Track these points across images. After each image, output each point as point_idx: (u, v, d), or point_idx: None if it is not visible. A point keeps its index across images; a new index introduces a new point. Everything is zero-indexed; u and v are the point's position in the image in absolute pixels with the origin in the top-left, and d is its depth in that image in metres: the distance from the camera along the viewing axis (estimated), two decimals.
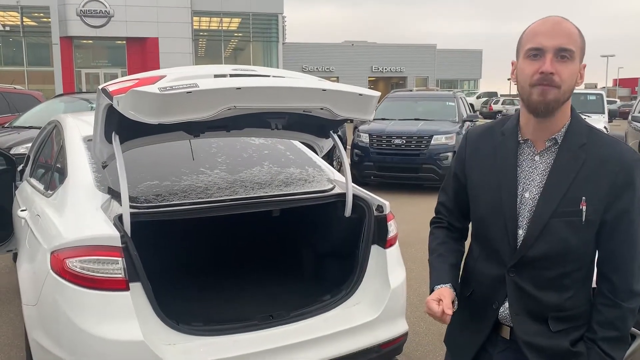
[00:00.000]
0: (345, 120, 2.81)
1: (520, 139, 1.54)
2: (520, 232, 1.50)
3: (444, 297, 1.52)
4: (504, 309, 1.55)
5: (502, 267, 1.53)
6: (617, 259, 1.49)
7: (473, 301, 1.62)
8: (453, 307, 1.52)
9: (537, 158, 1.51)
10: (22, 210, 3.25)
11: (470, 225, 1.72)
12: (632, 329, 2.55)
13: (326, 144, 3.21)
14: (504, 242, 1.52)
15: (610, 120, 11.36)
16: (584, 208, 1.44)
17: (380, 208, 2.87)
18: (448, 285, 1.58)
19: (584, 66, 1.48)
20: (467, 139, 1.67)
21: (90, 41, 26.56)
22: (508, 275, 1.52)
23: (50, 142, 3.85)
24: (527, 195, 1.50)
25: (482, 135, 1.64)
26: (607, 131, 9.93)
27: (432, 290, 1.60)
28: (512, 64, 1.52)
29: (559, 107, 1.45)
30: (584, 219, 1.44)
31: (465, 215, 1.70)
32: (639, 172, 1.45)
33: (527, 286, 1.50)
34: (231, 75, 2.40)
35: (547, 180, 1.47)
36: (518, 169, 1.52)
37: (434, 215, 1.81)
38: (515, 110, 1.66)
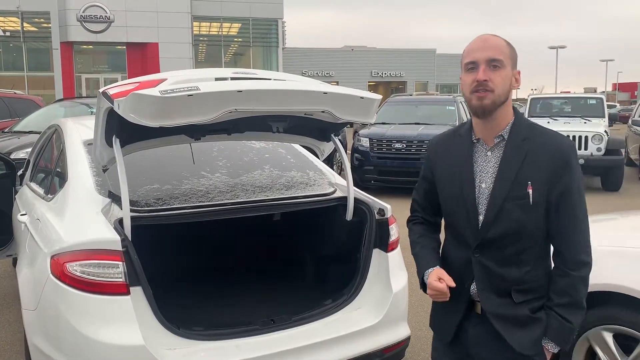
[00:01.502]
0: (347, 124, 2.80)
1: (473, 138, 1.77)
2: (481, 217, 1.71)
3: (441, 274, 1.72)
4: (474, 287, 1.74)
5: (468, 250, 1.73)
6: (563, 233, 1.69)
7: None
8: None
9: (489, 153, 1.73)
10: (22, 215, 3.24)
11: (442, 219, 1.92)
12: (636, 332, 2.54)
13: (327, 148, 3.20)
14: (467, 227, 1.73)
15: (610, 124, 11.33)
16: (530, 191, 1.65)
17: (381, 211, 2.86)
18: (437, 267, 1.77)
19: (518, 72, 1.72)
20: (432, 145, 1.91)
21: (91, 46, 26.60)
22: (473, 256, 1.72)
23: (51, 146, 3.84)
24: (483, 185, 1.72)
25: (443, 140, 1.88)
26: (608, 135, 9.91)
27: (421, 277, 1.80)
28: (461, 78, 1.76)
29: (495, 109, 1.67)
30: (531, 201, 1.65)
31: (437, 211, 1.90)
32: (574, 156, 1.68)
33: (490, 264, 1.70)
34: (232, 79, 2.39)
35: (499, 171, 1.69)
36: (474, 164, 1.74)
37: (410, 214, 2.00)
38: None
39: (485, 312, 1.71)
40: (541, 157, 1.66)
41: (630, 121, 13.17)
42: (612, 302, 2.63)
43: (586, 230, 1.71)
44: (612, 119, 11.90)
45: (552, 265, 1.76)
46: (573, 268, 1.69)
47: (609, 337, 2.62)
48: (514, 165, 1.67)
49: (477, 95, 1.65)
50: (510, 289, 1.69)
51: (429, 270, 1.76)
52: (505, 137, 1.71)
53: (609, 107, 14.52)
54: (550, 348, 1.72)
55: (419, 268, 1.83)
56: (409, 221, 1.99)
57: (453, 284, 1.68)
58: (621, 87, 68.22)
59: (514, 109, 1.75)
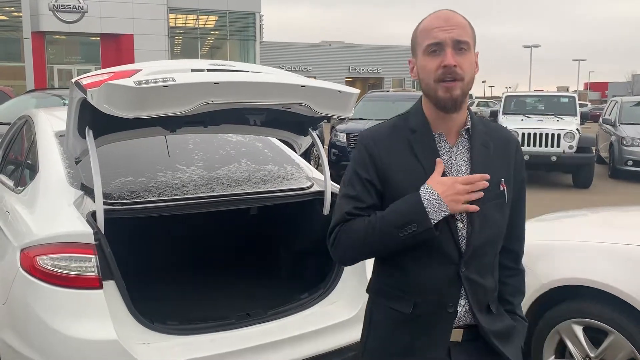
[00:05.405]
0: (324, 118, 2.80)
1: (435, 134, 1.46)
2: (460, 225, 1.42)
3: (439, 169, 1.39)
4: (461, 308, 1.44)
5: (448, 267, 1.42)
6: (517, 229, 1.57)
7: (417, 317, 1.43)
8: None
9: (454, 150, 1.46)
10: None
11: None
12: (604, 325, 2.59)
13: (304, 142, 3.19)
14: (448, 239, 1.40)
15: (582, 122, 11.57)
16: (505, 189, 1.47)
17: None
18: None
19: (477, 54, 1.46)
20: (372, 142, 1.46)
21: (63, 37, 26.00)
22: (460, 271, 1.42)
23: (21, 137, 3.75)
24: None
25: (389, 136, 1.47)
26: (579, 133, 10.11)
27: (414, 209, 1.36)
28: (410, 62, 1.50)
29: (464, 100, 1.42)
30: (507, 199, 1.48)
31: None
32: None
33: (475, 276, 1.43)
34: (209, 70, 2.37)
35: (472, 170, 1.43)
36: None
37: (337, 225, 1.47)
38: (415, 105, 1.53)
39: (484, 331, 1.44)
40: (505, 150, 1.49)
41: (600, 120, 13.45)
42: (581, 295, 2.68)
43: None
44: (584, 118, 12.18)
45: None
46: (519, 263, 1.60)
47: (579, 330, 2.68)
48: (486, 162, 1.44)
49: (444, 86, 1.37)
50: (488, 300, 1.48)
51: (422, 188, 1.37)
52: (470, 130, 1.46)
53: (581, 105, 14.81)
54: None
55: (403, 210, 1.38)
56: (341, 222, 1.46)
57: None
58: (593, 86, 69.78)
59: None
